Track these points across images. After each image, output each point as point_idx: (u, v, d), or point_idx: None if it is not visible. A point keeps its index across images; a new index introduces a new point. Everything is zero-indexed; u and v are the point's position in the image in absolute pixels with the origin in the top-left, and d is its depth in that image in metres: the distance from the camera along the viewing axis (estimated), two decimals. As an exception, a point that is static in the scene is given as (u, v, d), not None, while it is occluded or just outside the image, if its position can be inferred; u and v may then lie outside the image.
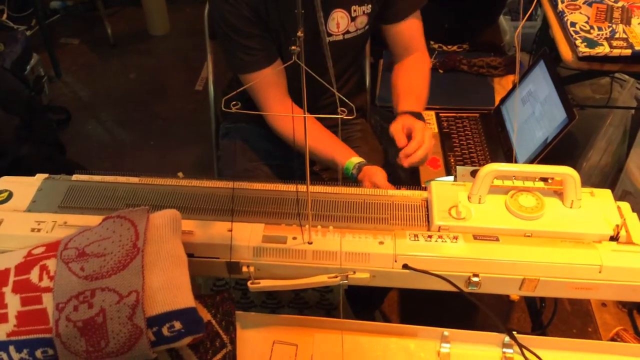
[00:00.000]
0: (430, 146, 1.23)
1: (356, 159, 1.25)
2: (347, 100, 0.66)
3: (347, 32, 1.32)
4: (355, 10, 1.29)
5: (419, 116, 1.28)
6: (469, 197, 0.95)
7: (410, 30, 1.38)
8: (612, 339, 1.26)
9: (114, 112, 2.85)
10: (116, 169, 1.06)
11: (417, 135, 1.22)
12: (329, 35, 1.30)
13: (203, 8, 1.59)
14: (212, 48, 1.64)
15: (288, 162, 1.47)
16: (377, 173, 1.19)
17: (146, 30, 3.38)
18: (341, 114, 0.64)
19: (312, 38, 1.23)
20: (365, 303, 1.60)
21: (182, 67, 3.14)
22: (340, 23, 1.30)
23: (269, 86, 1.31)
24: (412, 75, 1.39)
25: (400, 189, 1.04)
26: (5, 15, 3.13)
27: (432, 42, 2.02)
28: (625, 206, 0.97)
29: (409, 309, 1.86)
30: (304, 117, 0.68)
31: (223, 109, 0.68)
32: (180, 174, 1.06)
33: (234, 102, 0.67)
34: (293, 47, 0.63)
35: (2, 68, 2.22)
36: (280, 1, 1.23)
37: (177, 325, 0.79)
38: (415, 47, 1.41)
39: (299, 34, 0.62)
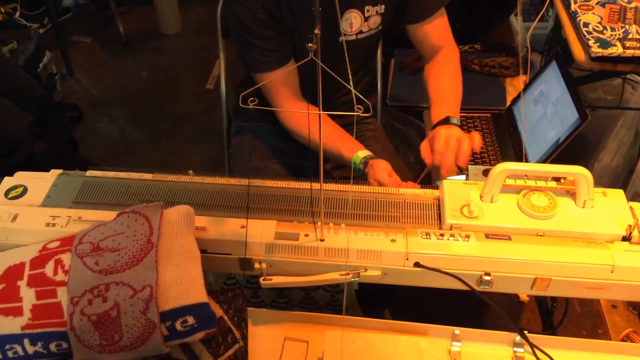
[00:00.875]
0: (456, 149, 1.18)
1: (362, 153, 1.23)
2: (363, 98, 0.67)
3: (360, 32, 1.32)
4: (368, 11, 1.30)
5: (451, 121, 1.26)
6: (481, 196, 0.95)
7: (436, 29, 1.37)
8: (622, 341, 1.25)
9: (125, 110, 2.86)
10: (127, 166, 1.07)
11: (437, 145, 1.19)
12: (342, 34, 1.31)
13: (215, 7, 1.60)
14: (224, 46, 1.64)
15: (299, 160, 1.48)
16: (379, 169, 1.17)
17: (158, 29, 3.40)
18: (357, 111, 0.64)
19: (326, 38, 1.23)
20: (374, 302, 1.60)
21: (193, 65, 3.15)
22: (353, 23, 1.30)
23: (283, 86, 1.32)
24: (443, 78, 1.37)
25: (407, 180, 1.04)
26: (18, 14, 3.16)
27: (443, 42, 2.02)
28: (638, 206, 0.96)
29: (418, 309, 1.86)
30: (319, 114, 0.69)
31: (240, 104, 0.68)
32: (190, 172, 1.07)
33: (251, 98, 0.67)
34: (310, 45, 0.63)
35: (16, 65, 2.23)
36: (294, 2, 1.24)
37: (190, 320, 0.80)
38: (442, 43, 1.39)
39: (316, 31, 0.62)
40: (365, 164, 1.22)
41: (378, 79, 1.66)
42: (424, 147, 1.24)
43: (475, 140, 1.20)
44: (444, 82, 1.36)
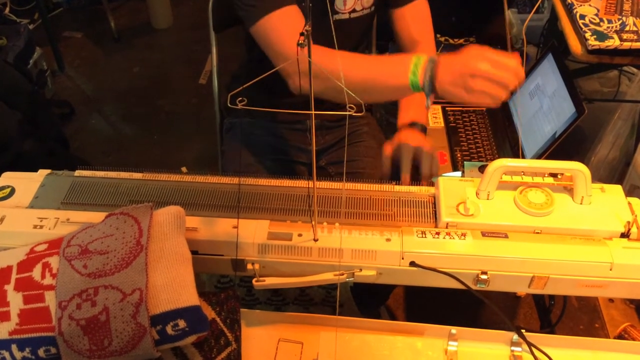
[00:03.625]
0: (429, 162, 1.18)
1: (420, 60, 0.94)
2: (354, 95, 0.64)
3: (354, 10, 1.29)
4: None
5: (419, 127, 1.26)
6: (477, 193, 0.94)
7: (416, 17, 1.34)
8: (620, 335, 1.25)
9: (117, 106, 2.84)
10: (120, 163, 1.05)
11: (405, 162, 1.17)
12: (335, 13, 1.27)
13: (206, 0, 1.58)
14: (216, 41, 1.62)
15: (293, 156, 1.46)
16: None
17: (149, 24, 3.36)
18: (349, 111, 0.62)
19: (318, 15, 1.17)
20: (371, 299, 1.59)
21: (185, 60, 3.12)
22: (347, 1, 1.27)
23: (295, 21, 1.10)
24: None
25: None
26: (8, 9, 3.12)
27: (438, 35, 2.00)
28: (636, 202, 0.95)
29: (414, 305, 1.85)
30: (312, 115, 0.67)
31: (229, 105, 0.66)
32: (183, 169, 1.05)
33: (239, 98, 0.65)
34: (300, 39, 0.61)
35: (5, 62, 2.20)
36: None
37: (182, 323, 0.78)
38: (420, 37, 1.36)
39: (307, 27, 0.60)
40: (432, 77, 0.92)
41: None
42: (386, 158, 1.21)
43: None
44: None
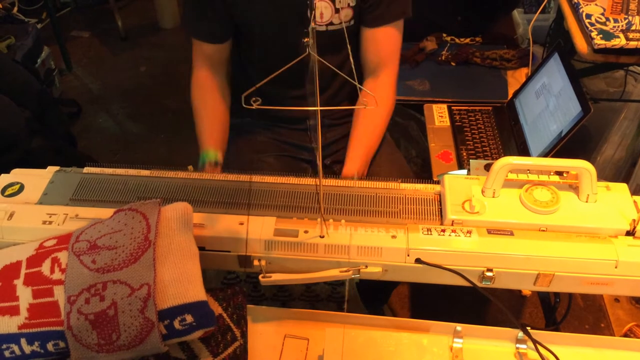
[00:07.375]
0: None
1: (212, 154, 1.28)
2: (368, 90, 0.65)
3: (331, 23, 1.27)
4: (340, 2, 1.25)
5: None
6: (482, 191, 0.94)
7: (386, 41, 1.32)
8: (625, 335, 1.25)
9: (124, 105, 2.85)
10: (127, 161, 1.06)
11: None
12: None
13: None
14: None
15: (293, 153, 1.46)
16: None
17: (156, 23, 3.38)
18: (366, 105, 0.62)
19: (297, 27, 1.16)
20: (373, 297, 1.59)
21: (192, 59, 3.13)
22: (324, 13, 1.25)
23: (203, 58, 1.48)
24: (373, 117, 1.32)
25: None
26: (16, 9, 3.13)
27: (444, 35, 2.00)
28: (642, 201, 0.95)
29: (419, 303, 1.86)
30: (317, 110, 0.67)
31: (244, 105, 0.67)
32: (190, 167, 1.06)
33: (254, 98, 0.65)
34: (305, 40, 0.62)
35: (13, 61, 2.22)
36: None
37: (189, 318, 0.79)
38: (386, 62, 1.34)
39: (312, 24, 0.60)
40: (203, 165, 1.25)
41: None
42: None
43: None
44: (371, 123, 1.32)
